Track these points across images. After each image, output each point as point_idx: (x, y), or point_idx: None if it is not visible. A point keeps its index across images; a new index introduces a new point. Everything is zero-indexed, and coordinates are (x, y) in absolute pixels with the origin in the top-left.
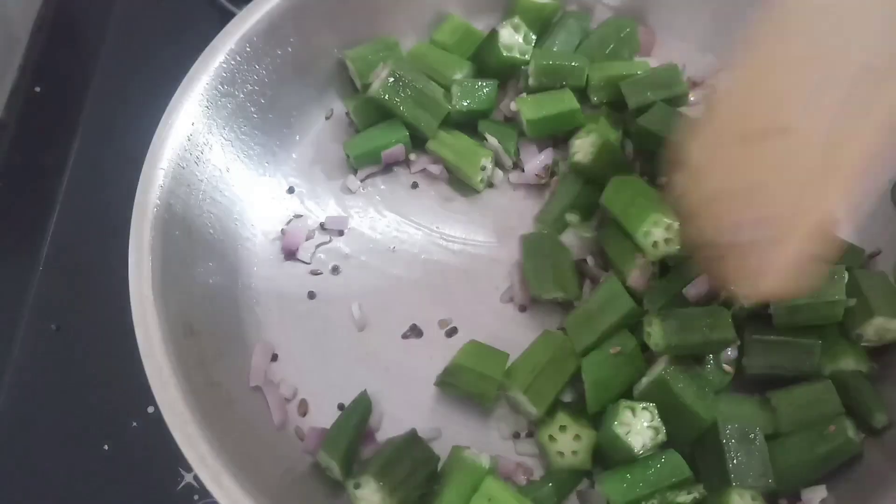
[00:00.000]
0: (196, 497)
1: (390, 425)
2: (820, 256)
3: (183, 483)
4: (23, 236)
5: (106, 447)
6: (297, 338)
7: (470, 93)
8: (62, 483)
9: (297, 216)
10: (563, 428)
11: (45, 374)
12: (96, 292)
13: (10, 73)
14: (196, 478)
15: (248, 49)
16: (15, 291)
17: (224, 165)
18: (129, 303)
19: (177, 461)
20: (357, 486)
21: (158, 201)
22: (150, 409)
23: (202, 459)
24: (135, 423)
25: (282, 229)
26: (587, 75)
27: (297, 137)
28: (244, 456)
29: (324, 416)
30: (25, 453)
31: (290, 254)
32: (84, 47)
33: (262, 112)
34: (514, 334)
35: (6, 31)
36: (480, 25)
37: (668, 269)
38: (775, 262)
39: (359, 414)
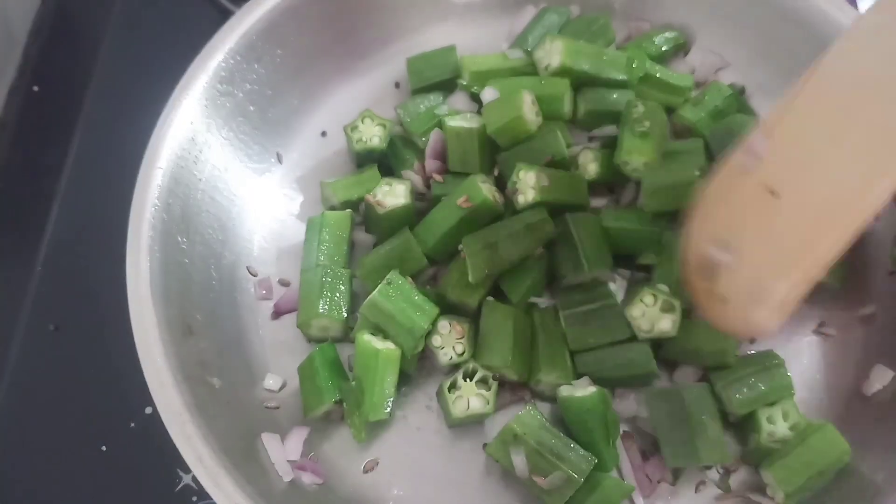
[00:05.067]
0: (194, 498)
1: None
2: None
3: (181, 484)
4: (21, 236)
5: (104, 448)
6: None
7: None
8: (60, 484)
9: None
10: None
11: (43, 375)
12: (95, 292)
13: (8, 73)
14: (194, 479)
15: (247, 48)
16: (13, 291)
17: (223, 165)
18: (127, 303)
19: (175, 462)
20: None
21: (157, 201)
22: (149, 410)
23: (200, 460)
24: (133, 424)
25: None
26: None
27: (297, 136)
28: (242, 457)
29: None
30: (24, 454)
31: None
32: (83, 46)
33: (262, 111)
34: None
35: (5, 30)
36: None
37: None
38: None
39: None
